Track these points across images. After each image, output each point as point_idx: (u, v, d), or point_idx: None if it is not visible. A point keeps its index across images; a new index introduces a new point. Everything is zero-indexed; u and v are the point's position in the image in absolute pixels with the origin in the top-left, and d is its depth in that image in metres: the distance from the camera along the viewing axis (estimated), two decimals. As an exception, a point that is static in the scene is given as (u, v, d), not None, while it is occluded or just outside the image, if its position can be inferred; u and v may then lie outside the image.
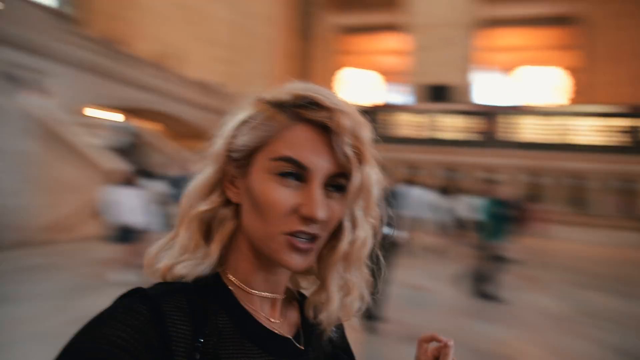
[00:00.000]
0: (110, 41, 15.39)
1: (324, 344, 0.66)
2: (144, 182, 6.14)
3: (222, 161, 0.59)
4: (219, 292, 0.58)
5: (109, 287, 5.06)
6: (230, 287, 0.59)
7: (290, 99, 0.56)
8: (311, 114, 0.55)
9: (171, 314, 0.51)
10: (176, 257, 0.59)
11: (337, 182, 0.56)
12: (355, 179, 0.55)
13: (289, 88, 0.58)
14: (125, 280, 5.22)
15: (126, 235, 5.61)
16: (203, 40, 23.13)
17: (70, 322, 3.43)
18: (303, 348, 0.62)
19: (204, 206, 0.59)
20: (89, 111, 13.23)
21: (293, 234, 0.53)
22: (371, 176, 0.57)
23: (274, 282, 0.61)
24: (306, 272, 0.67)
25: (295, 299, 0.69)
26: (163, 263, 0.59)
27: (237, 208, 0.60)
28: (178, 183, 6.56)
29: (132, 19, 21.77)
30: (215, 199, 0.60)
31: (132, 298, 0.51)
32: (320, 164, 0.54)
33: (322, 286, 0.64)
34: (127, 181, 5.79)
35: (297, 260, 0.54)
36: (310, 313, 0.65)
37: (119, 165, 8.17)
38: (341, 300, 0.63)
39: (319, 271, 0.64)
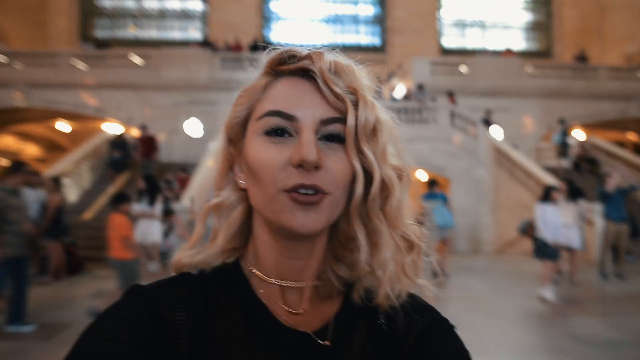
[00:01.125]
0: (577, 60, 15.23)
1: (367, 337, 0.55)
2: (567, 200, 6.02)
3: (225, 148, 0.58)
4: (235, 282, 0.55)
5: (521, 295, 5.45)
6: (249, 277, 0.56)
7: (269, 61, 0.55)
8: (290, 65, 0.53)
9: (169, 304, 0.50)
10: (188, 249, 0.58)
11: (337, 131, 0.51)
12: (351, 118, 0.50)
13: (269, 52, 0.55)
14: (543, 294, 5.36)
15: (548, 251, 5.72)
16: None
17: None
18: (329, 344, 0.53)
19: (215, 199, 0.58)
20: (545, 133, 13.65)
21: (293, 190, 0.48)
22: (370, 114, 0.51)
23: (298, 268, 0.55)
24: (340, 259, 0.57)
25: (341, 287, 0.58)
26: (175, 256, 0.58)
27: (247, 194, 0.56)
28: (610, 198, 5.83)
29: (599, 28, 20.15)
30: (227, 191, 0.58)
31: (129, 294, 0.50)
32: (308, 111, 0.50)
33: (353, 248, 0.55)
34: (551, 199, 5.91)
35: (301, 219, 0.48)
36: (354, 294, 0.56)
37: (557, 184, 8.24)
38: (368, 263, 0.53)
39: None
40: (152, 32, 21.87)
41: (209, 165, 9.76)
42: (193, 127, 13.67)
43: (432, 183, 7.66)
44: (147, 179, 6.89)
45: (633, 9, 18.49)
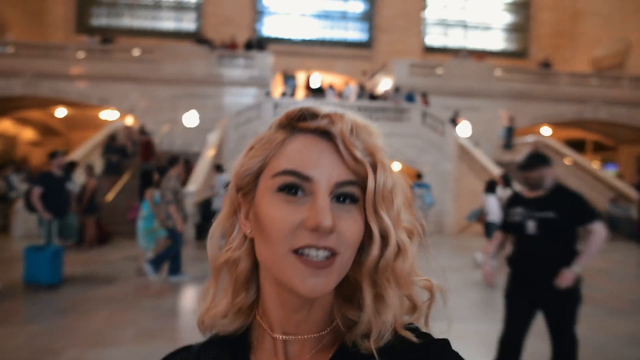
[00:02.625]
0: (542, 66, 16.74)
1: None
2: (500, 189, 7.57)
3: (233, 194, 0.58)
4: (241, 345, 0.59)
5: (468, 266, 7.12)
6: (256, 329, 0.59)
7: (288, 116, 0.55)
8: (310, 123, 0.53)
9: None
10: (206, 307, 0.60)
11: (350, 192, 0.51)
12: (371, 182, 0.50)
13: (289, 108, 0.56)
14: (480, 261, 6.99)
15: (491, 231, 7.28)
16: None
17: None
18: None
19: (225, 255, 0.58)
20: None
21: (303, 250, 0.48)
22: (388, 179, 0.52)
23: (299, 320, 0.55)
24: (349, 299, 0.57)
25: (346, 331, 0.57)
26: (198, 317, 0.61)
27: (253, 244, 0.57)
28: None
29: (572, 32, 21.68)
30: (234, 242, 0.59)
31: (180, 349, 0.61)
32: (324, 172, 0.50)
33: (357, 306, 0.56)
34: (491, 188, 7.43)
35: (311, 284, 0.48)
36: (347, 341, 0.55)
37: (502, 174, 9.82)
38: (374, 319, 0.53)
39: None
40: (146, 22, 22.66)
41: (209, 155, 11.03)
42: (190, 118, 14.83)
43: (419, 175, 10.51)
44: (159, 171, 8.18)
45: (602, 16, 20.06)
